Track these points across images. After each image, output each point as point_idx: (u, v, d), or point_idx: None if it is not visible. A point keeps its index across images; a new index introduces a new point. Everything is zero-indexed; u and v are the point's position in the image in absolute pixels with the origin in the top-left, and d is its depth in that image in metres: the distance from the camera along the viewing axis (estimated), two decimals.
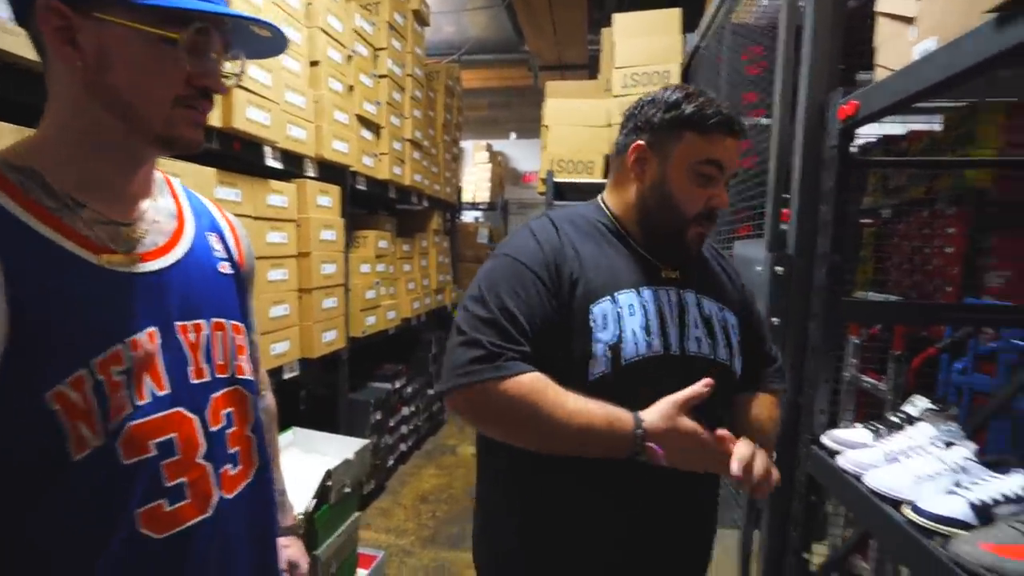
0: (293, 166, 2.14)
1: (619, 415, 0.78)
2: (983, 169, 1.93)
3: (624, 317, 0.84)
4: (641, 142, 0.90)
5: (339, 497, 1.79)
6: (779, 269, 1.26)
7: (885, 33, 1.03)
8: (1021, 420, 1.39)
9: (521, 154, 7.75)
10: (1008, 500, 0.87)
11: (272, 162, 1.97)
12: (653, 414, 0.78)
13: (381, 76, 2.96)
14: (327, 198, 2.32)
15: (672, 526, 0.91)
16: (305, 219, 2.16)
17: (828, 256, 1.19)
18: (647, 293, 0.86)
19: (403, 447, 3.50)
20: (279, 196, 1.99)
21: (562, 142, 3.08)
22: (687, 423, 0.78)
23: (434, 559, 2.54)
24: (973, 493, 0.89)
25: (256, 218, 1.86)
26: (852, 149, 1.16)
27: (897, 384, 1.59)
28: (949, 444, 1.03)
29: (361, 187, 2.77)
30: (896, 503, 0.94)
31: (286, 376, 2.10)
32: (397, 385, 3.35)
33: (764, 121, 1.67)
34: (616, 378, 0.82)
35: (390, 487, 3.22)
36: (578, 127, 3.08)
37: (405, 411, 3.50)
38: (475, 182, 6.64)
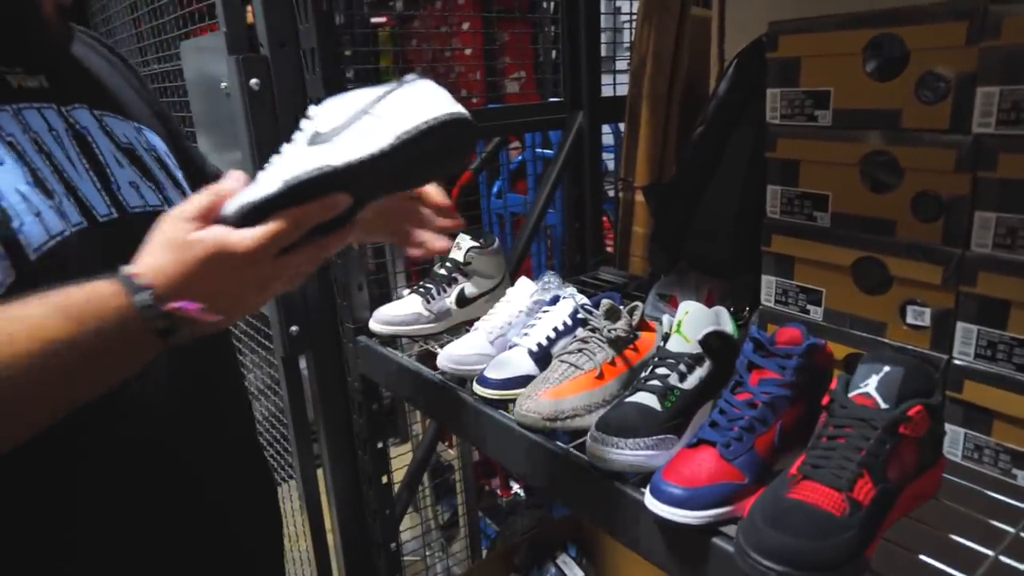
0: None
1: (90, 290, 0.61)
2: None
3: None
4: None
5: None
6: (255, 83, 1.18)
7: None
8: (553, 234, 1.77)
9: None
10: (560, 333, 1.09)
11: None
12: (149, 256, 0.65)
13: None
14: None
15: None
16: None
17: (323, 52, 1.15)
18: (3, 119, 0.71)
19: None
20: None
21: None
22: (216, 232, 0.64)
23: None
24: (531, 339, 1.09)
25: None
26: None
27: None
28: None
29: None
30: (463, 380, 1.11)
31: None
32: None
33: None
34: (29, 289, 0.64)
35: None
36: None
37: None
38: None
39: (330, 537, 1.53)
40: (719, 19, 1.33)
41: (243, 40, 1.18)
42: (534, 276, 1.28)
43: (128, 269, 0.62)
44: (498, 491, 2.19)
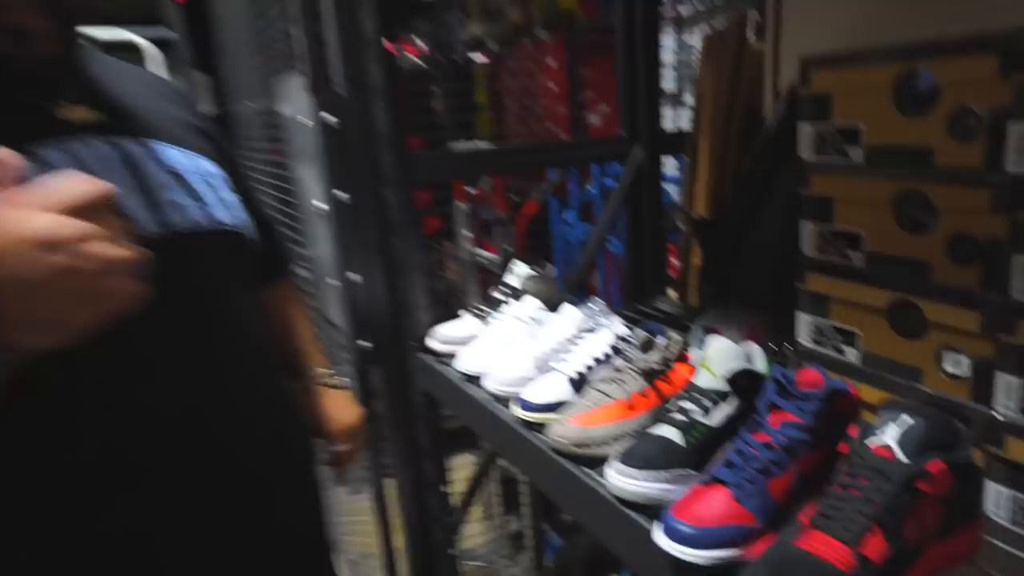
0: None
1: None
2: None
3: None
4: None
5: None
6: (331, 119, 1.22)
7: None
8: (616, 261, 1.73)
9: None
10: (598, 361, 1.08)
11: None
12: None
13: None
14: None
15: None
16: None
17: (385, 91, 1.18)
18: (56, 157, 0.70)
19: None
20: None
21: None
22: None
23: None
24: (570, 365, 1.08)
25: None
26: None
27: (506, 252, 1.79)
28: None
29: None
30: (507, 400, 1.11)
31: None
32: None
33: None
34: None
35: None
36: None
37: None
38: None
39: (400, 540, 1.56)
40: (773, 51, 1.27)
41: (322, 79, 1.22)
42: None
43: None
44: None
